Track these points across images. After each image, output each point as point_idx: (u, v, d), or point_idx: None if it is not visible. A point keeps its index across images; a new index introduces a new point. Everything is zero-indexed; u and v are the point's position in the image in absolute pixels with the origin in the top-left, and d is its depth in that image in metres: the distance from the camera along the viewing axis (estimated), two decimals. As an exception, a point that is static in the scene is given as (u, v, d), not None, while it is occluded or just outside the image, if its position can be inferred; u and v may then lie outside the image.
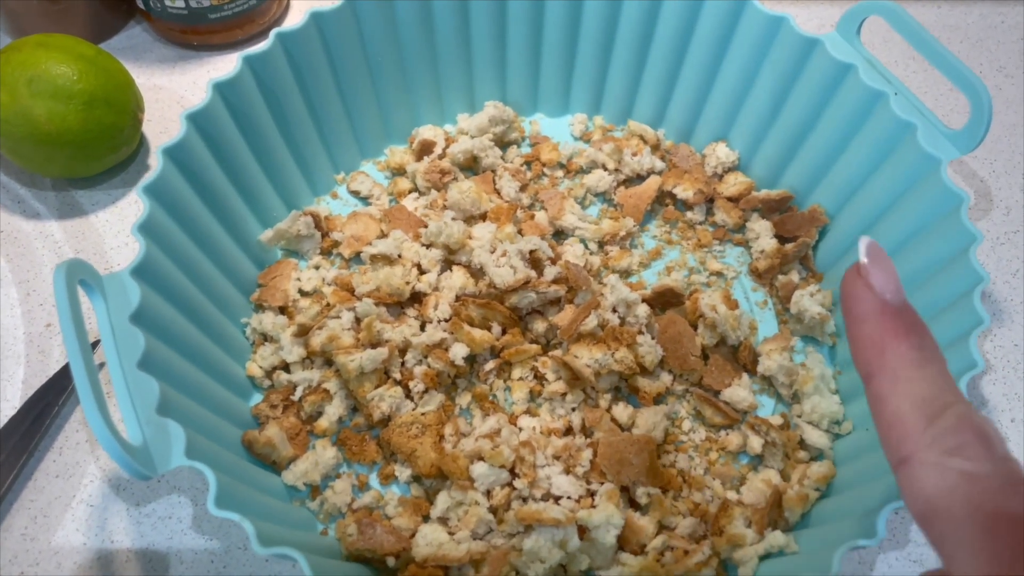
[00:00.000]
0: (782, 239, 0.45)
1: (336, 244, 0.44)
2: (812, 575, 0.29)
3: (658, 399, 0.39)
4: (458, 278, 0.41)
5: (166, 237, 0.36)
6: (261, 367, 0.40)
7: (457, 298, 0.40)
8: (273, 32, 0.40)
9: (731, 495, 0.37)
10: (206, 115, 0.38)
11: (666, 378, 0.40)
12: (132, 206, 0.46)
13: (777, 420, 0.39)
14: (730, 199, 0.46)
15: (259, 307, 0.42)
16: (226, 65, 0.53)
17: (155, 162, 0.48)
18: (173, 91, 0.52)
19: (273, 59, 0.41)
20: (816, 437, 0.38)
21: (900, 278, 0.39)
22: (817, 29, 0.43)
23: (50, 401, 0.38)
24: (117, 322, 0.32)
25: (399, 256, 0.41)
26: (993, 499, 0.20)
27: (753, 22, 0.43)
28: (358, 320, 0.39)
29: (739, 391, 0.39)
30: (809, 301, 0.41)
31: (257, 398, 0.40)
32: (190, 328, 0.36)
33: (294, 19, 0.56)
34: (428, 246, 0.42)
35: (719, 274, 0.44)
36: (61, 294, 0.29)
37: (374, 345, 0.38)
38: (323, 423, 0.38)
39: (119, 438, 0.27)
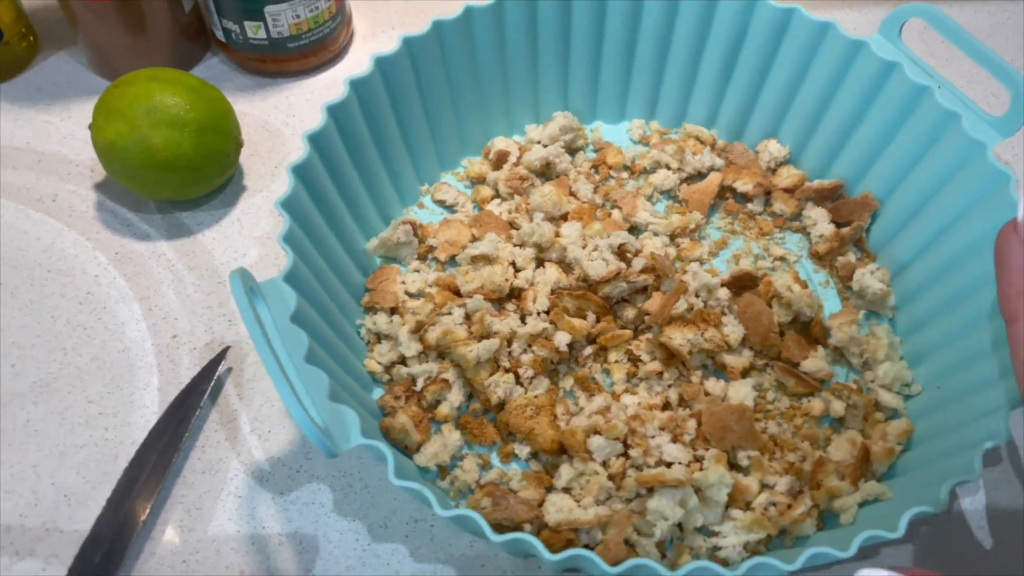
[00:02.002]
0: (837, 224, 0.49)
1: (431, 249, 0.48)
2: (919, 506, 0.33)
3: (744, 373, 0.43)
4: (551, 273, 0.45)
5: (301, 246, 0.39)
6: (380, 363, 0.43)
7: (552, 291, 0.44)
8: (372, 57, 0.44)
9: (818, 454, 0.41)
10: (323, 136, 0.42)
11: (748, 354, 0.44)
12: (234, 224, 0.50)
13: (853, 386, 0.43)
14: (786, 190, 0.50)
15: (370, 309, 0.45)
16: (302, 90, 0.57)
17: (250, 183, 0.52)
18: (255, 116, 0.55)
19: (373, 82, 0.45)
20: (890, 399, 0.42)
21: (951, 254, 0.43)
22: (856, 32, 0.47)
23: (192, 403, 0.42)
24: (279, 322, 0.35)
25: (497, 256, 0.45)
26: None
27: (801, 29, 0.47)
28: (468, 316, 0.43)
29: (816, 362, 0.43)
30: (871, 278, 0.45)
31: (378, 391, 0.43)
32: (326, 329, 0.40)
33: (357, 46, 0.60)
34: (519, 245, 0.46)
35: (782, 259, 0.49)
36: (241, 297, 0.32)
37: (485, 337, 0.42)
38: (443, 410, 0.42)
39: (316, 423, 0.30)
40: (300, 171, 0.41)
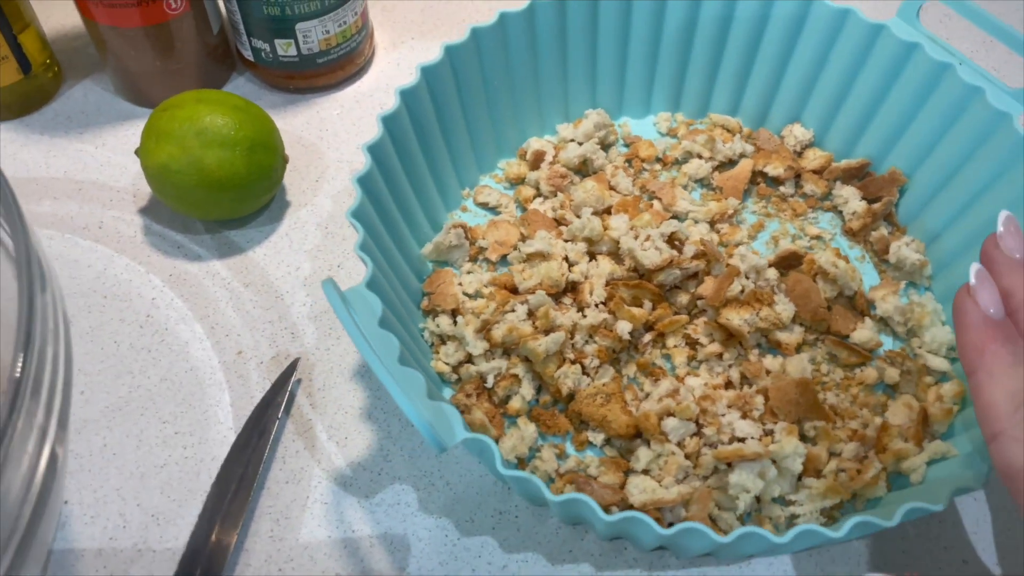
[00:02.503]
0: (867, 201, 0.51)
1: (482, 251, 0.49)
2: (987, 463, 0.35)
3: (798, 349, 0.45)
4: (605, 266, 0.46)
5: (372, 255, 0.40)
6: (447, 363, 0.44)
7: (608, 283, 0.46)
8: (418, 66, 0.45)
9: (878, 420, 0.42)
10: (379, 147, 0.43)
11: (799, 330, 0.46)
12: (283, 239, 0.51)
13: (904, 353, 0.45)
14: (814, 172, 0.52)
15: (429, 312, 0.47)
16: (331, 104, 0.58)
17: (293, 198, 0.53)
18: (290, 132, 0.56)
19: (419, 91, 0.46)
20: (938, 363, 0.44)
21: (984, 220, 0.45)
22: (875, 17, 0.50)
23: (270, 416, 0.42)
24: (367, 328, 0.36)
25: (551, 252, 0.46)
26: None
27: (821, 17, 0.49)
28: (530, 312, 0.44)
29: (865, 332, 0.45)
30: (907, 250, 0.47)
31: (446, 391, 0.44)
32: (403, 332, 0.41)
33: (380, 57, 0.61)
34: (569, 241, 0.48)
35: (818, 238, 0.50)
36: (339, 305, 0.33)
37: (550, 331, 0.43)
38: (515, 404, 0.43)
39: (427, 420, 0.31)
40: (364, 181, 0.42)
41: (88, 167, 0.54)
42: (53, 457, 0.27)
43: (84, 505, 0.41)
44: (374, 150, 0.43)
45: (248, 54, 0.56)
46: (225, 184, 0.46)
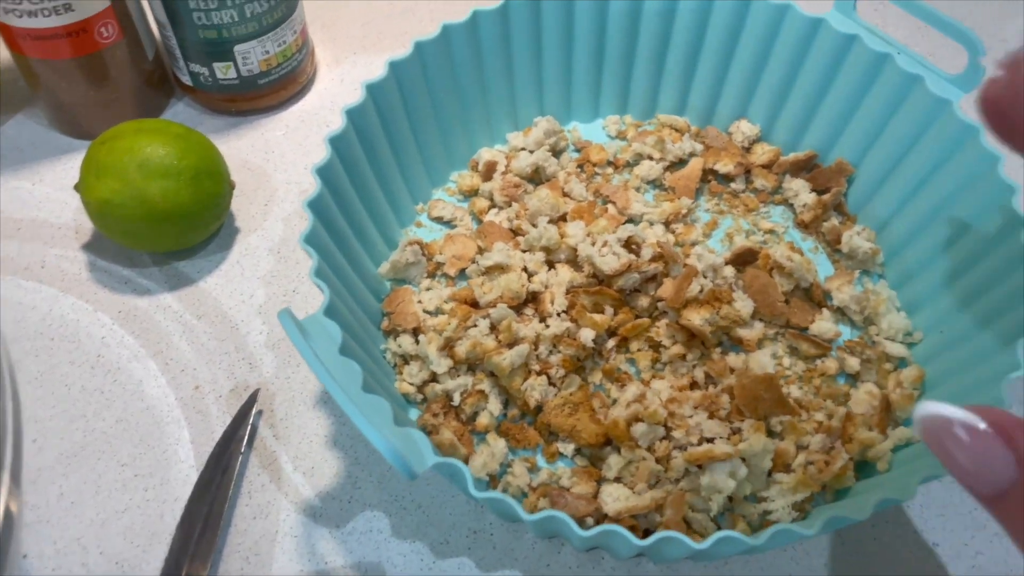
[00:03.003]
0: (817, 192, 0.51)
1: (439, 266, 0.48)
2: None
3: (759, 344, 0.45)
4: (564, 274, 0.46)
5: (328, 280, 0.40)
6: (412, 384, 0.44)
7: (568, 291, 0.45)
8: (363, 84, 0.45)
9: (842, 410, 0.43)
10: (329, 168, 0.42)
11: (759, 326, 0.46)
12: (235, 267, 0.49)
13: (861, 341, 0.45)
14: (763, 166, 0.53)
15: (389, 333, 0.46)
16: (275, 125, 0.57)
17: (242, 224, 0.51)
18: (235, 156, 0.55)
19: (366, 109, 0.45)
20: (897, 349, 0.45)
21: (931, 205, 0.46)
22: (814, 11, 0.50)
23: (232, 451, 0.41)
24: (326, 356, 0.35)
25: (510, 264, 0.46)
26: None
27: (761, 12, 0.50)
28: (493, 326, 0.44)
29: (823, 324, 0.45)
30: (858, 239, 0.48)
31: (412, 412, 0.44)
32: (365, 357, 0.40)
33: (323, 74, 0.60)
34: (527, 251, 0.47)
35: (772, 232, 0.51)
36: (296, 337, 0.33)
37: (514, 344, 0.43)
38: (483, 420, 0.42)
39: (396, 447, 0.31)
40: (315, 205, 0.41)
41: (26, 204, 0.52)
42: (8, 513, 0.26)
43: (44, 558, 0.39)
44: (323, 172, 0.42)
45: (186, 79, 0.54)
46: (171, 215, 0.45)
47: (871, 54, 0.47)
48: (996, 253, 0.42)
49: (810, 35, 0.49)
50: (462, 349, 0.43)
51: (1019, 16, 0.63)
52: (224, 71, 0.53)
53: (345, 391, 0.32)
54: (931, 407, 0.23)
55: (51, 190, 0.53)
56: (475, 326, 0.44)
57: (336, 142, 0.43)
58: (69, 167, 0.54)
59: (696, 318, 0.44)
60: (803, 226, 0.51)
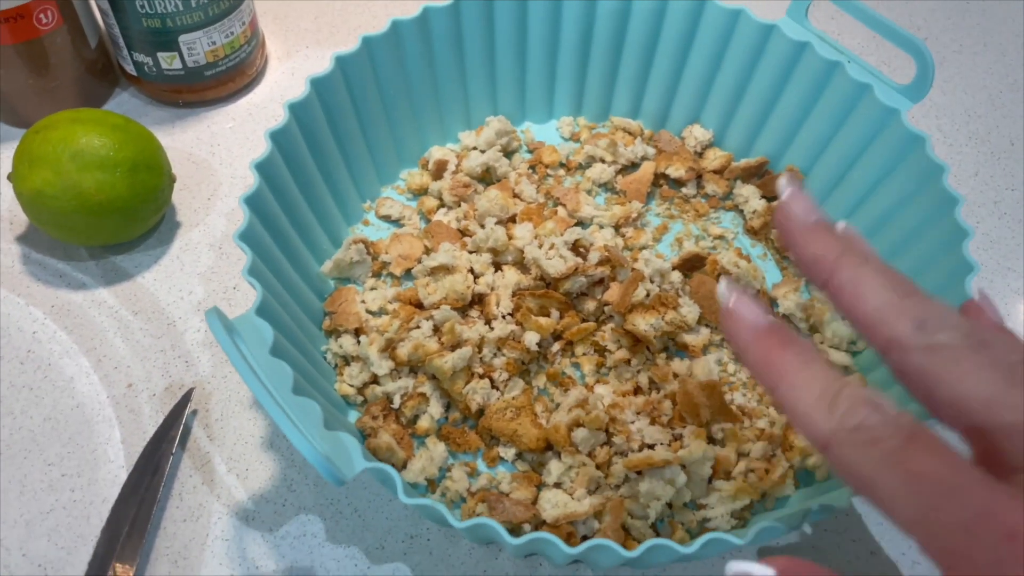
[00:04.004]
0: (767, 199, 0.51)
1: (385, 266, 0.48)
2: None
3: (704, 350, 0.45)
4: (511, 276, 0.45)
5: (264, 278, 0.39)
6: (352, 385, 0.43)
7: (514, 293, 0.45)
8: (308, 79, 0.44)
9: (783, 418, 0.43)
10: (269, 164, 0.41)
11: (705, 331, 0.46)
12: (174, 262, 0.48)
13: (805, 349, 0.45)
14: (715, 172, 0.53)
15: (331, 333, 0.45)
16: (222, 118, 0.55)
17: (184, 218, 0.50)
18: (179, 149, 0.54)
19: (310, 104, 0.44)
20: (840, 357, 0.45)
21: (876, 215, 0.46)
22: (767, 17, 0.50)
23: (163, 452, 0.40)
24: (258, 357, 0.34)
25: (455, 265, 0.45)
26: (898, 449, 0.23)
27: (714, 17, 0.50)
28: (436, 328, 0.43)
29: (769, 331, 0.45)
30: (806, 246, 0.48)
31: (352, 414, 0.43)
32: (300, 358, 0.39)
33: (273, 67, 0.59)
34: (474, 252, 0.47)
35: (721, 237, 0.51)
36: (223, 336, 0.32)
37: (457, 346, 0.42)
38: (423, 423, 0.42)
39: (321, 452, 0.30)
40: (252, 201, 0.40)
41: (-41, 194, 0.51)
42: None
43: (-39, 561, 0.38)
44: (263, 168, 0.41)
45: (131, 68, 0.53)
46: (106, 208, 0.44)
47: (822, 62, 0.47)
48: (938, 265, 0.42)
49: (762, 41, 0.49)
50: (404, 351, 0.42)
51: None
52: (169, 61, 0.51)
53: (272, 394, 0.31)
54: (736, 567, 0.26)
55: (-14, 180, 0.51)
56: (418, 327, 0.43)
57: (277, 136, 0.42)
58: (5, 156, 0.53)
59: (641, 323, 0.43)
60: (752, 232, 0.51)
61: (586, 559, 0.36)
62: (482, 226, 0.48)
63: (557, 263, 0.44)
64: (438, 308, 0.43)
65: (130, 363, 0.44)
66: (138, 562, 0.37)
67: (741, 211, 0.52)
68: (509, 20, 0.51)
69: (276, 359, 0.34)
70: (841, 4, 0.47)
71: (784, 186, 0.29)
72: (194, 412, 0.43)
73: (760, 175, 0.53)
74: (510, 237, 0.47)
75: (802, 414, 0.25)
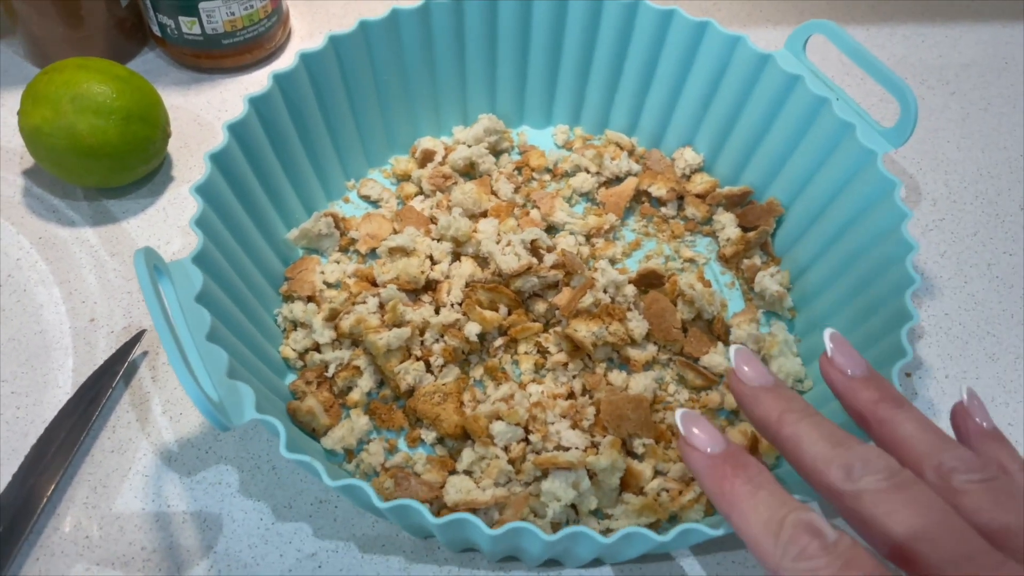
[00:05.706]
0: (745, 228, 0.51)
1: (353, 242, 0.49)
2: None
3: (646, 366, 0.45)
4: (467, 267, 0.46)
5: (214, 231, 0.40)
6: (294, 350, 0.44)
7: (467, 284, 0.46)
8: (297, 53, 0.46)
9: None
10: (243, 126, 0.43)
11: (652, 348, 0.45)
12: (160, 213, 0.51)
13: (749, 380, 0.45)
14: (698, 196, 0.52)
15: (288, 298, 0.47)
16: (236, 87, 0.58)
17: (178, 174, 0.53)
18: (188, 110, 0.56)
19: (297, 77, 0.46)
20: (783, 393, 0.44)
21: (843, 257, 0.45)
22: (767, 47, 0.50)
23: (104, 384, 0.42)
24: (184, 301, 0.36)
25: (414, 249, 0.47)
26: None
27: (714, 41, 0.50)
28: (381, 305, 0.44)
29: (715, 357, 0.45)
30: (769, 280, 0.47)
31: (291, 377, 0.44)
32: (237, 312, 0.41)
33: (295, 45, 0.61)
34: (438, 240, 0.48)
35: (692, 260, 0.50)
36: (143, 273, 0.33)
37: (398, 325, 0.43)
38: (354, 396, 0.43)
39: (206, 394, 0.31)
40: (218, 159, 0.42)
41: (-17, 126, 0.54)
42: None
43: (-96, 455, 0.41)
44: (236, 129, 0.43)
45: (156, 29, 0.56)
46: (96, 151, 0.46)
47: (811, 97, 0.47)
48: (886, 309, 0.41)
49: (758, 71, 0.49)
50: (346, 323, 0.43)
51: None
52: (189, 26, 0.54)
53: (176, 336, 0.32)
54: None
55: (8, 115, 0.55)
56: (364, 303, 0.44)
57: (256, 102, 0.44)
58: (31, 97, 0.56)
59: (583, 329, 0.43)
60: (724, 260, 0.50)
61: (443, 533, 0.35)
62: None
63: (511, 259, 0.45)
64: (387, 287, 0.44)
65: (97, 299, 0.47)
66: (59, 481, 0.39)
67: (717, 237, 0.51)
68: (512, 21, 0.52)
69: (198, 306, 0.36)
70: (835, 40, 0.46)
71: (734, 352, 0.33)
72: (144, 353, 0.45)
73: (743, 204, 0.52)
74: (475, 231, 0.47)
75: (752, 541, 0.28)
